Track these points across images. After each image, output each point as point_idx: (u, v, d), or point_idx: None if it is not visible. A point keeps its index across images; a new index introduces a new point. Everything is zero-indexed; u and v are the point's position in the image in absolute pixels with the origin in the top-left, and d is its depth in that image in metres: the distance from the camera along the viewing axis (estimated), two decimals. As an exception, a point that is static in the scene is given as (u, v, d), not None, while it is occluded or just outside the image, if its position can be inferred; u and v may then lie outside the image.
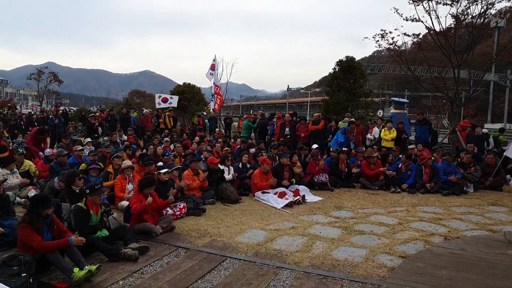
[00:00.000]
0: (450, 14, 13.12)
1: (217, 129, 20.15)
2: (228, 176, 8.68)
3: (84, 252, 4.53)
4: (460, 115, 21.00)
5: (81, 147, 9.55)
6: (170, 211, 6.53)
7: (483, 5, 12.54)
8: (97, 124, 16.00)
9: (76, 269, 4.09)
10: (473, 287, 4.18)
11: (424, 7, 12.86)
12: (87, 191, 5.16)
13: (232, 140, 14.05)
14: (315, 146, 10.79)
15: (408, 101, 23.72)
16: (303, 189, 8.50)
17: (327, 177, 9.56)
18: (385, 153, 10.60)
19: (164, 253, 5.08)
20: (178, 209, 6.73)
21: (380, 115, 23.30)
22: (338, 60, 18.16)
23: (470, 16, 13.13)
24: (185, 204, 6.96)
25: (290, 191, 8.24)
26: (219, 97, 16.99)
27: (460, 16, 13.14)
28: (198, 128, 17.84)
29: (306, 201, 8.14)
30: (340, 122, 13.21)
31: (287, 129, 13.31)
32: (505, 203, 8.21)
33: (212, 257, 4.95)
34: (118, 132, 13.41)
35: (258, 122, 15.57)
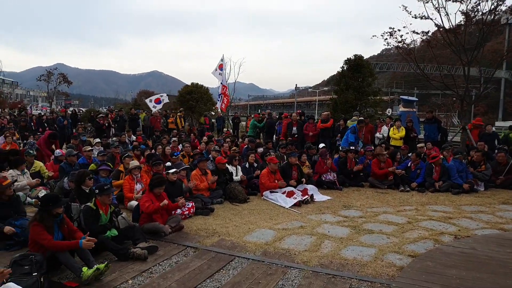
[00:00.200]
0: (459, 11, 12.98)
1: (225, 129, 20.20)
2: (236, 177, 8.69)
3: (94, 252, 4.56)
4: (471, 113, 20.80)
5: (90, 148, 9.63)
6: (178, 211, 6.55)
7: (493, 1, 12.39)
8: (106, 124, 16.15)
9: (85, 268, 4.13)
10: (483, 286, 4.13)
11: (433, 4, 12.75)
12: (97, 191, 5.21)
13: (240, 139, 14.08)
14: (322, 145, 10.76)
15: (417, 99, 23.56)
16: (311, 189, 8.48)
17: (336, 176, 9.53)
18: (392, 152, 10.52)
19: (172, 253, 5.10)
20: (186, 208, 6.75)
21: (389, 114, 23.15)
22: (346, 59, 18.09)
23: (480, 13, 12.97)
24: (193, 203, 6.99)
25: (299, 190, 8.23)
26: (226, 97, 17.03)
27: (470, 13, 12.98)
28: (205, 128, 17.92)
29: (315, 200, 8.11)
30: (348, 121, 13.15)
31: (294, 128, 13.28)
32: (516, 202, 8.10)
33: (221, 257, 4.96)
34: (127, 132, 13.50)
35: (265, 121, 15.57)
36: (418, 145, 11.05)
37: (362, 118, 12.90)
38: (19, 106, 36.60)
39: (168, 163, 8.53)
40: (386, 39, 14.32)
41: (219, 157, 8.84)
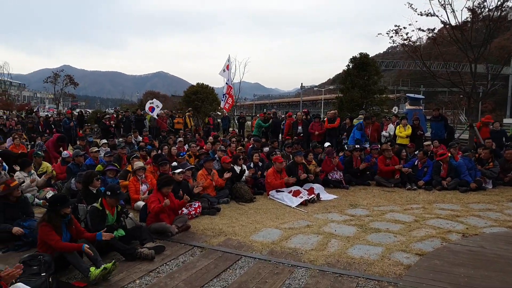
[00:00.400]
0: (466, 7, 12.92)
1: (230, 129, 20.24)
2: (245, 175, 8.71)
3: (101, 252, 4.61)
4: (478, 110, 20.60)
5: (97, 149, 9.69)
6: (185, 211, 6.58)
7: (500, -3, 12.29)
8: (113, 125, 16.26)
9: (92, 268, 4.17)
10: (492, 284, 4.10)
11: (439, 1, 12.68)
12: (108, 193, 5.22)
13: (246, 139, 14.08)
14: (327, 144, 10.73)
15: (423, 97, 23.40)
16: (317, 188, 8.47)
17: (342, 175, 9.50)
18: (397, 150, 10.47)
19: (179, 252, 5.12)
20: (193, 208, 6.78)
21: (395, 112, 23.02)
22: (351, 57, 18.06)
23: (486, 9, 12.88)
24: (200, 203, 7.01)
25: (305, 189, 8.22)
26: (230, 97, 17.06)
27: (477, 9, 12.90)
28: (211, 128, 17.97)
29: (321, 199, 8.10)
30: (354, 120, 13.11)
31: (300, 127, 13.27)
32: (525, 200, 8.02)
33: (227, 256, 4.97)
34: (134, 133, 13.57)
35: (271, 121, 15.56)
36: (424, 143, 10.98)
37: (362, 116, 12.85)
38: (27, 108, 36.93)
39: (174, 163, 8.57)
40: (392, 37, 14.28)
41: (225, 157, 8.86)
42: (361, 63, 17.46)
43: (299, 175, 8.64)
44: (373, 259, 4.81)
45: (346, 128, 12.81)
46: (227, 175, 8.20)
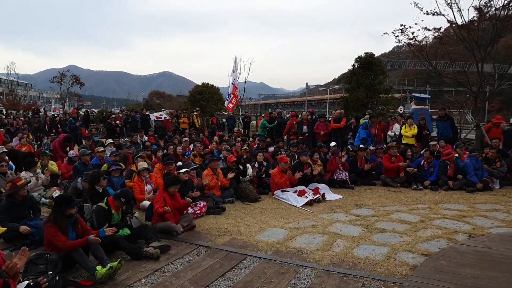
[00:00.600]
0: (472, 6, 12.84)
1: (235, 129, 20.27)
2: (246, 177, 8.70)
3: (107, 251, 4.63)
4: (485, 110, 20.46)
5: (103, 148, 9.74)
6: (190, 210, 6.59)
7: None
8: (120, 125, 16.35)
9: (99, 267, 4.19)
10: (499, 285, 4.07)
11: (445, 0, 12.59)
12: (122, 199, 5.24)
13: (251, 139, 14.09)
14: (333, 144, 10.70)
15: (429, 96, 23.23)
16: (323, 187, 8.45)
17: (347, 175, 9.47)
18: (403, 150, 10.42)
19: (185, 252, 5.14)
20: (198, 208, 6.79)
21: (401, 112, 22.91)
22: (357, 57, 18.00)
23: (493, 8, 12.78)
24: (205, 203, 7.02)
25: (310, 189, 8.21)
26: (235, 97, 17.09)
27: (483, 8, 12.82)
28: (215, 128, 18.04)
29: (326, 199, 8.08)
30: (361, 119, 13.06)
31: (305, 127, 13.24)
32: (533, 200, 7.95)
33: (233, 256, 4.98)
34: (139, 132, 13.63)
35: (276, 121, 15.54)
36: (430, 143, 10.92)
37: (371, 113, 12.78)
38: (33, 107, 37.20)
39: (179, 163, 8.59)
40: (398, 36, 14.24)
41: (230, 156, 8.87)
42: (366, 62, 17.40)
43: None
44: (379, 259, 4.80)
45: (352, 128, 12.77)
46: (230, 175, 8.20)
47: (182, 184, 6.80)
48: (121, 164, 8.69)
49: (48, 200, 7.32)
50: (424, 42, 14.76)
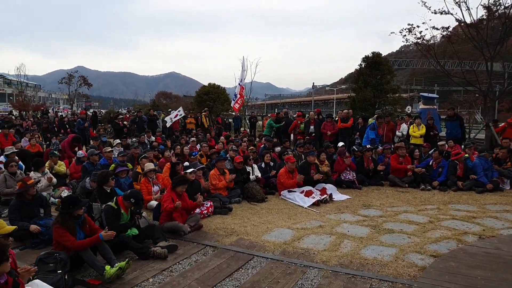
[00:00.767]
0: (481, 5, 12.69)
1: (242, 129, 20.28)
2: (251, 176, 8.69)
3: (115, 250, 4.66)
4: (495, 109, 20.24)
5: (111, 149, 9.79)
6: (197, 210, 6.60)
7: (517, -6, 12.07)
8: (127, 126, 16.43)
9: (107, 267, 4.21)
10: (510, 287, 4.01)
11: (453, -1, 12.49)
12: (132, 200, 5.26)
13: (258, 139, 14.08)
14: (341, 144, 10.65)
15: (437, 96, 23.05)
16: (330, 188, 8.41)
17: (355, 175, 9.42)
18: (411, 150, 10.33)
19: (192, 252, 5.15)
20: (205, 208, 6.80)
21: (409, 111, 22.75)
22: (364, 56, 17.92)
23: (502, 7, 12.64)
24: (211, 203, 7.03)
25: (317, 189, 8.17)
26: (241, 98, 17.14)
27: (492, 6, 12.69)
28: (222, 128, 18.07)
29: (334, 199, 8.04)
30: (370, 119, 12.98)
31: (312, 127, 13.19)
32: (543, 201, 7.84)
33: (240, 256, 4.97)
34: (147, 133, 13.69)
35: (283, 122, 15.50)
36: (439, 143, 10.82)
37: (380, 113, 12.70)
38: (42, 108, 37.56)
39: (186, 163, 8.61)
40: (405, 35, 14.13)
41: (237, 157, 8.86)
42: (373, 62, 17.31)
43: (312, 175, 8.59)
44: (387, 260, 4.76)
45: (359, 128, 12.70)
46: (231, 177, 8.08)
47: (189, 184, 6.82)
48: (129, 164, 8.74)
49: (57, 200, 7.38)
50: (432, 41, 14.67)
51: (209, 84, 24.46)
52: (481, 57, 13.47)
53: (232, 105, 17.56)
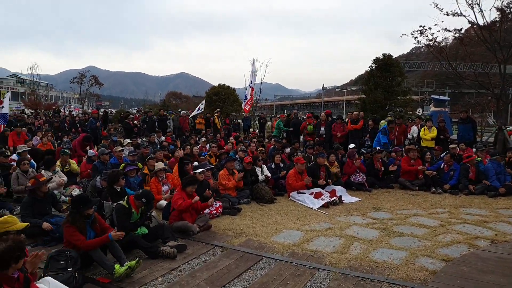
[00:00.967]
0: (494, 7, 12.52)
1: (251, 129, 20.30)
2: (261, 176, 8.67)
3: (125, 249, 4.68)
4: (507, 112, 19.96)
5: (121, 148, 9.87)
6: (206, 210, 6.62)
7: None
8: (138, 125, 16.56)
9: (117, 266, 4.24)
10: (523, 294, 3.95)
11: (466, 1, 12.36)
12: (144, 200, 5.27)
13: (267, 140, 14.07)
14: (352, 146, 10.57)
15: (449, 98, 22.80)
16: (339, 190, 8.37)
17: (365, 177, 9.35)
18: (422, 153, 10.21)
19: (201, 252, 5.15)
20: (214, 208, 6.81)
21: (420, 114, 22.56)
22: (374, 58, 17.84)
23: (516, 9, 12.47)
24: (221, 203, 7.04)
25: (327, 191, 8.13)
26: (251, 99, 17.18)
27: (506, 9, 12.52)
28: (230, 129, 18.12)
29: (343, 201, 8.00)
30: (382, 121, 12.88)
31: (322, 128, 13.14)
32: (558, 206, 7.69)
33: (248, 257, 4.97)
34: (157, 133, 13.77)
35: (291, 121, 15.48)
36: (450, 146, 10.69)
37: (391, 118, 12.59)
38: (54, 107, 38.02)
39: (196, 163, 8.63)
40: (416, 37, 14.02)
41: (246, 157, 8.86)
42: (384, 64, 17.22)
43: (321, 177, 8.54)
44: (397, 264, 4.71)
45: (369, 130, 12.61)
46: (239, 176, 8.05)
47: (198, 184, 6.84)
48: (139, 163, 8.79)
49: (68, 198, 7.46)
50: (444, 43, 14.54)
51: (219, 84, 24.57)
52: (494, 60, 13.31)
53: (242, 106, 17.61)
